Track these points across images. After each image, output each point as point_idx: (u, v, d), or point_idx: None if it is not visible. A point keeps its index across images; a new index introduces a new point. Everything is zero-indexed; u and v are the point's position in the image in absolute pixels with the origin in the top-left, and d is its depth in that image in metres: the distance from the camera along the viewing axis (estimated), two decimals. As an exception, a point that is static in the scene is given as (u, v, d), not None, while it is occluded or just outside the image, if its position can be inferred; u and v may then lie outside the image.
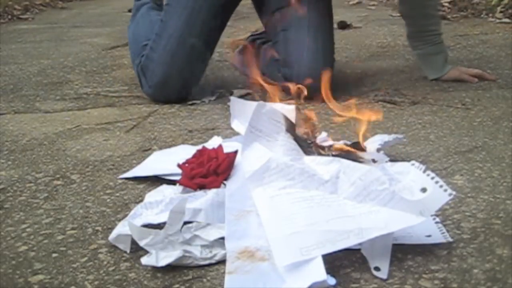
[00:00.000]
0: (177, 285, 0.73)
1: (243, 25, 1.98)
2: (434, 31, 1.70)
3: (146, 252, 0.77)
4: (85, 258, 0.80)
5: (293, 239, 0.73)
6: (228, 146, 0.99)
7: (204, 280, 0.74)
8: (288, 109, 1.01)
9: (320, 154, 0.97)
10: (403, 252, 0.77)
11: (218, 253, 0.77)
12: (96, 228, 0.89)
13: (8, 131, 1.42)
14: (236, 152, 0.94)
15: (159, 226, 0.80)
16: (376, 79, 1.82)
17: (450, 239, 0.80)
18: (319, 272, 0.68)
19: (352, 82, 1.77)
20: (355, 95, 1.47)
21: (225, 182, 0.90)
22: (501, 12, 2.99)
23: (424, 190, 0.75)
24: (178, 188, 0.93)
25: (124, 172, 1.11)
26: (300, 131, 1.01)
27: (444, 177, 0.99)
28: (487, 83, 1.68)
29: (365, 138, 1.07)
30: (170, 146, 1.25)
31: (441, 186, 0.74)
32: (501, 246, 0.78)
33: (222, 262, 0.76)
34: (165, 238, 0.77)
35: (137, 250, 0.80)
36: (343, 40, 2.55)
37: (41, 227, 0.90)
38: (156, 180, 1.03)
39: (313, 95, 1.24)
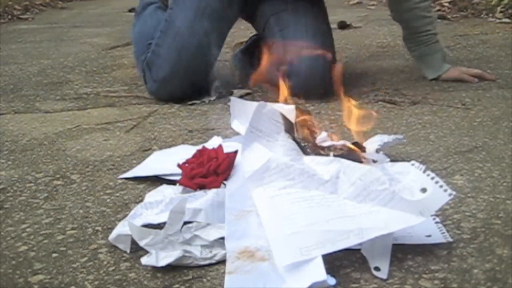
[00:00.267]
0: (177, 285, 0.73)
1: (244, 25, 1.98)
2: (427, 31, 1.70)
3: (146, 252, 0.77)
4: (85, 258, 0.80)
5: (293, 239, 0.73)
6: (228, 146, 0.99)
7: (204, 280, 0.74)
8: (288, 109, 1.01)
9: (319, 154, 0.97)
10: (403, 252, 0.77)
11: (218, 253, 0.77)
12: (96, 228, 0.89)
13: (8, 131, 1.42)
14: (236, 152, 0.94)
15: (159, 226, 0.80)
16: (376, 79, 1.82)
17: (450, 239, 0.79)
18: (319, 272, 0.68)
19: (352, 82, 1.77)
20: (355, 95, 1.47)
21: (225, 182, 0.90)
22: (501, 12, 3.00)
23: (424, 190, 0.75)
24: (178, 188, 0.93)
25: (124, 172, 1.11)
26: (300, 131, 1.01)
27: (444, 177, 0.99)
28: (487, 83, 1.68)
29: (365, 138, 1.07)
30: (170, 146, 1.25)
31: (441, 186, 0.74)
32: (501, 246, 0.78)
33: (222, 262, 0.76)
34: (165, 238, 0.77)
35: (137, 250, 0.80)
36: (343, 40, 2.55)
37: (41, 227, 0.90)
38: (156, 180, 1.03)
39: (313, 92, 1.24)
